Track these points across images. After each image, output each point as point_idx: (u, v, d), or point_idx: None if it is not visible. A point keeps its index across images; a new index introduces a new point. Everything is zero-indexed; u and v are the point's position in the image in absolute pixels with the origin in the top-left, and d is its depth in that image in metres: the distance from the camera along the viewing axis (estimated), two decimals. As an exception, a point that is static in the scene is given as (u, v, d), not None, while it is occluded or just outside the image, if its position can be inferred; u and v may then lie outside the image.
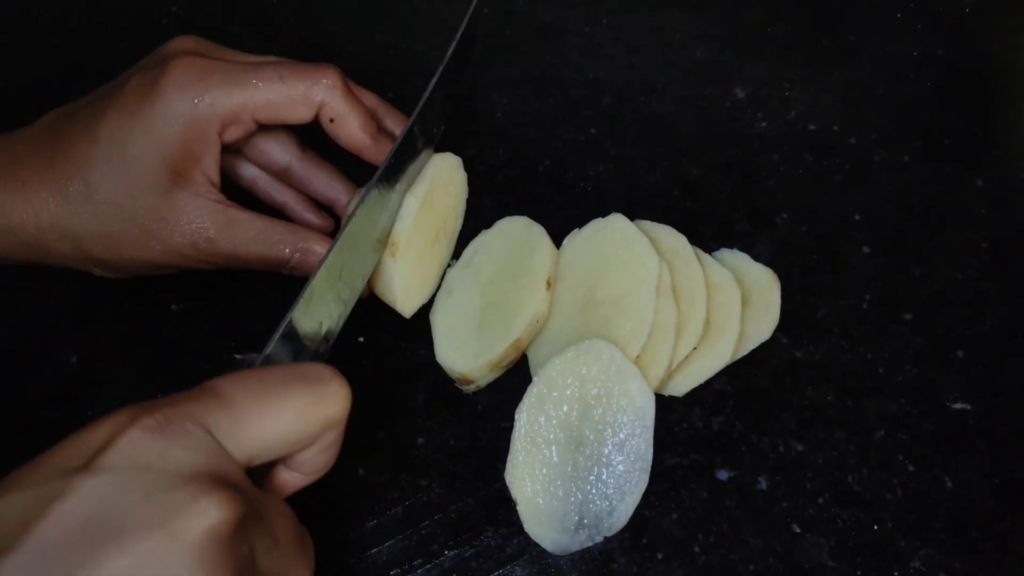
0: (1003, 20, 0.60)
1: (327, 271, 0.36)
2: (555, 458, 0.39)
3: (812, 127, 0.54)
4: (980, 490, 0.41)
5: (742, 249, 0.47)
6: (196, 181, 0.39)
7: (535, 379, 0.40)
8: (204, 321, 0.46)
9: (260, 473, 0.31)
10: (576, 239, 0.45)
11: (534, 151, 0.53)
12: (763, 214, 0.50)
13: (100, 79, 0.42)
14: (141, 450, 0.25)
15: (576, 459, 0.39)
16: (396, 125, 0.44)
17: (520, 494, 0.39)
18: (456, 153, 0.46)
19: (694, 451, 0.42)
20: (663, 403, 0.43)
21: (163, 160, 0.38)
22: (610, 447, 0.39)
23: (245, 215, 0.40)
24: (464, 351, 0.42)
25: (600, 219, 0.45)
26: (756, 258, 0.46)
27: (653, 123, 0.54)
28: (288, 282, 0.43)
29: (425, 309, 0.45)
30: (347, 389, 0.30)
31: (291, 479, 0.31)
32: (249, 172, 0.45)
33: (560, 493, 0.39)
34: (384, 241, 0.41)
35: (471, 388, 0.43)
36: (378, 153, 0.42)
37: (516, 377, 0.43)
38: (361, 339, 0.45)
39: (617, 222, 0.44)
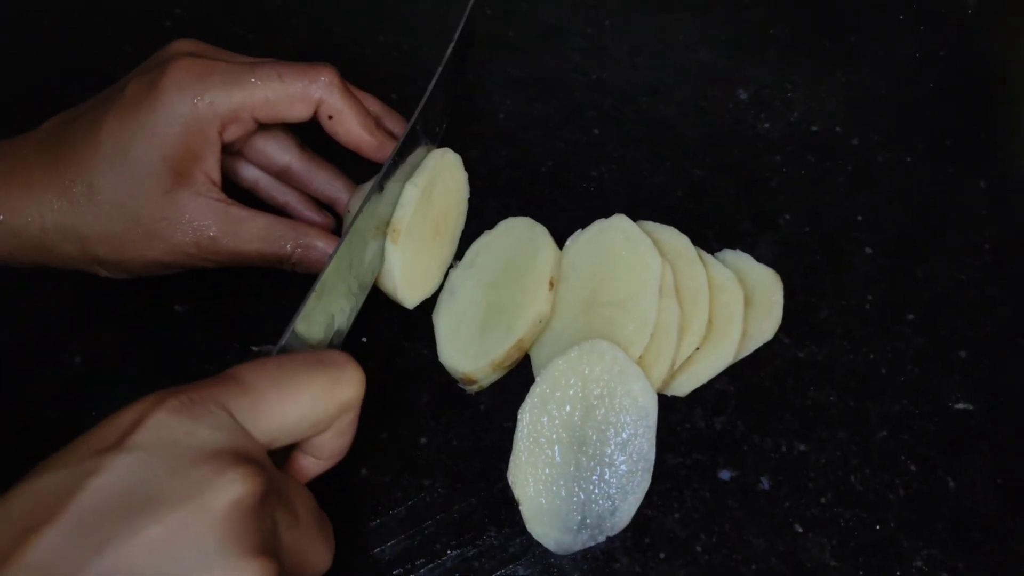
0: (1005, 21, 0.60)
1: (337, 264, 0.37)
2: (558, 458, 0.39)
3: (814, 128, 0.54)
4: (982, 491, 0.41)
5: (745, 250, 0.47)
6: (198, 180, 0.39)
7: (538, 379, 0.40)
8: (208, 321, 0.46)
9: (280, 458, 0.32)
10: (579, 240, 0.45)
11: (537, 152, 0.53)
12: (766, 215, 0.50)
13: (102, 81, 0.42)
14: (168, 429, 0.26)
15: (579, 459, 0.39)
16: (395, 126, 0.45)
17: (523, 494, 0.39)
18: (459, 154, 0.46)
19: (696, 451, 0.42)
20: (666, 403, 0.43)
21: (164, 160, 0.38)
22: (613, 447, 0.39)
23: (246, 213, 0.41)
24: (467, 351, 0.42)
25: (603, 220, 0.45)
26: (759, 259, 0.46)
27: (656, 124, 0.54)
28: (291, 282, 0.43)
29: (428, 309, 0.45)
30: (361, 374, 0.31)
31: (309, 464, 0.33)
32: (250, 173, 0.45)
33: (563, 493, 0.39)
34: (383, 229, 0.42)
35: (474, 388, 0.43)
36: (376, 149, 0.42)
37: (519, 377, 0.44)
38: (364, 339, 0.45)
39: (620, 223, 0.44)
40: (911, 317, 0.46)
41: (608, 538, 0.39)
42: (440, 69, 0.42)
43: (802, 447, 0.42)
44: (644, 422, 0.40)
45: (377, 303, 0.45)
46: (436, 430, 0.43)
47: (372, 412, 0.42)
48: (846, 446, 0.42)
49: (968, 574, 0.39)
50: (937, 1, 0.60)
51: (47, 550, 0.24)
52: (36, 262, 0.40)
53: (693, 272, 0.44)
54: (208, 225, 0.40)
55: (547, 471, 0.39)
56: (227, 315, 0.46)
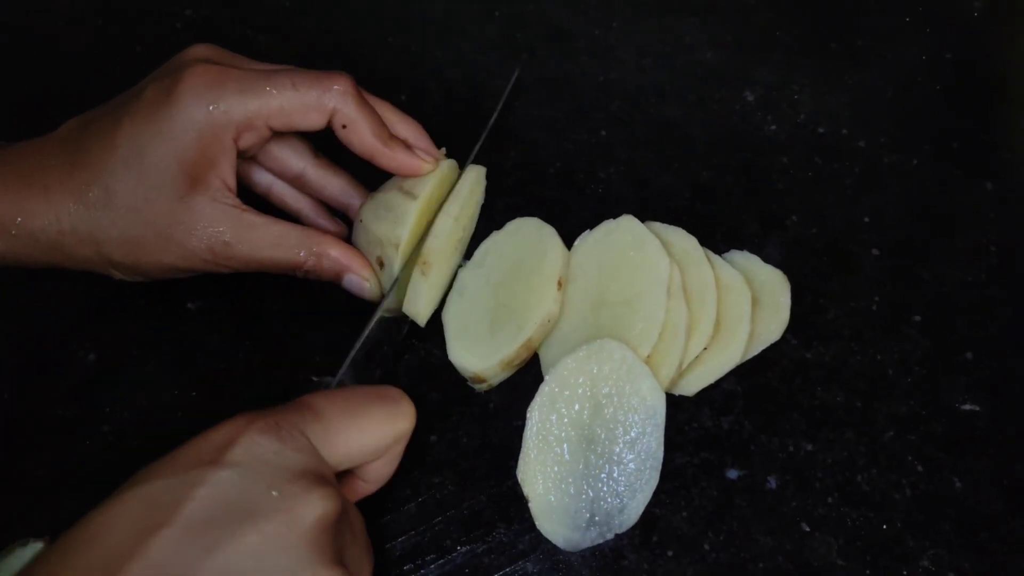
0: (1011, 24, 0.60)
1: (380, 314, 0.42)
2: (567, 456, 0.40)
3: (821, 130, 0.54)
4: (988, 491, 0.41)
5: (752, 251, 0.47)
6: (212, 186, 0.40)
7: (547, 378, 0.41)
8: (220, 320, 0.46)
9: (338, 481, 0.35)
10: (587, 240, 0.46)
11: (545, 153, 0.53)
12: (773, 216, 0.50)
13: (115, 83, 0.43)
14: (260, 448, 0.29)
15: (587, 457, 0.40)
16: (408, 133, 0.45)
17: (532, 491, 0.39)
18: (465, 156, 0.46)
19: (704, 450, 0.43)
20: (673, 402, 0.43)
21: (180, 165, 0.39)
22: (621, 445, 0.40)
23: (260, 219, 0.41)
24: (476, 350, 0.43)
25: (611, 220, 0.45)
26: (766, 260, 0.46)
27: (663, 126, 0.54)
28: (303, 281, 0.44)
29: (437, 309, 0.45)
30: (413, 408, 0.36)
31: (360, 487, 0.36)
32: (264, 179, 0.46)
33: (571, 490, 0.39)
34: (394, 244, 0.42)
35: (483, 387, 0.44)
36: (390, 159, 0.42)
37: (528, 376, 0.44)
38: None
39: (628, 223, 0.45)
40: (917, 318, 0.47)
41: (616, 536, 0.39)
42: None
43: (809, 447, 0.43)
44: (652, 421, 0.40)
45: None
46: (446, 428, 0.43)
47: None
48: (853, 446, 0.43)
49: (974, 574, 0.39)
50: (943, 4, 0.60)
51: (165, 550, 0.26)
52: (52, 263, 0.41)
53: (701, 272, 0.44)
54: (222, 231, 0.40)
55: (556, 469, 0.40)
56: (239, 313, 0.47)
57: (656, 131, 0.54)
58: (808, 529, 0.41)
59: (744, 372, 0.44)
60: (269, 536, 0.28)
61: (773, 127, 0.54)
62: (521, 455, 0.40)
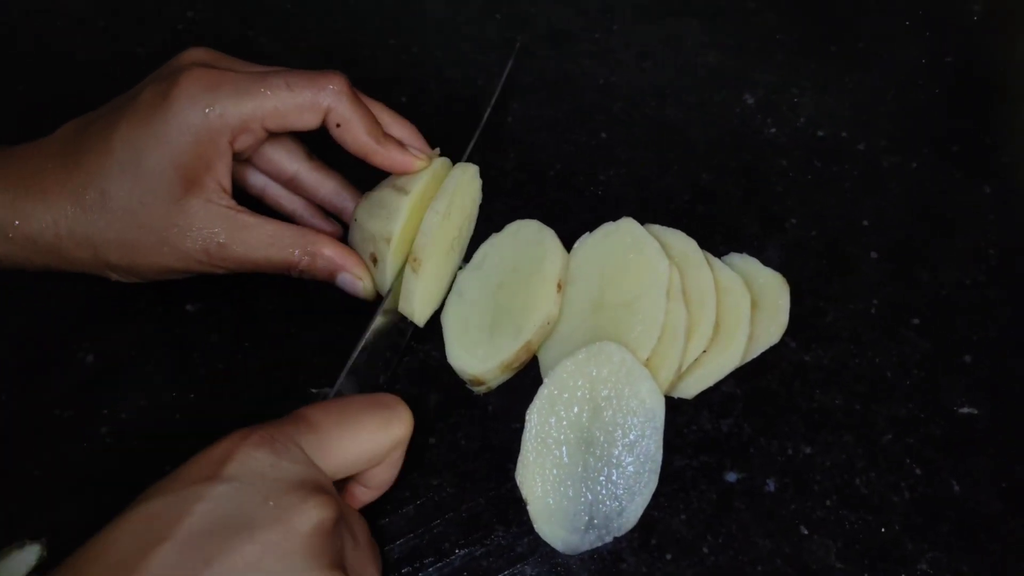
0: (1011, 27, 0.60)
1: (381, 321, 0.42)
2: (565, 458, 0.40)
3: (821, 133, 0.54)
4: (987, 494, 0.41)
5: (752, 254, 0.47)
6: (208, 188, 0.40)
7: (546, 380, 0.41)
8: (219, 321, 0.46)
9: (338, 488, 0.36)
10: (587, 242, 0.46)
11: (545, 155, 0.53)
12: (772, 219, 0.50)
13: (117, 85, 0.43)
14: (255, 462, 0.30)
15: (586, 460, 0.40)
16: (402, 133, 0.45)
17: (530, 494, 0.39)
18: (467, 157, 0.46)
19: (703, 453, 0.43)
20: (672, 405, 0.43)
21: (176, 169, 0.39)
22: (620, 448, 0.40)
23: (255, 219, 0.41)
24: (475, 353, 0.43)
25: (611, 223, 0.45)
26: (765, 263, 0.46)
27: (663, 128, 0.54)
28: (301, 281, 0.44)
29: (437, 311, 0.45)
30: (410, 414, 0.36)
31: (361, 493, 0.37)
32: (258, 180, 0.46)
33: (570, 493, 0.39)
34: (387, 239, 0.42)
35: (482, 389, 0.44)
36: (383, 157, 0.42)
37: (527, 379, 0.44)
38: (373, 340, 0.46)
39: (628, 225, 0.45)
40: (916, 321, 0.47)
41: (615, 538, 0.39)
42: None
43: (808, 450, 0.43)
44: (651, 423, 0.40)
45: (387, 304, 0.45)
46: (444, 430, 0.43)
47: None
48: (852, 449, 0.43)
49: (973, 577, 0.40)
50: (943, 7, 0.60)
51: (165, 564, 0.28)
52: (49, 266, 0.41)
53: (700, 275, 0.44)
54: (217, 232, 0.40)
55: (555, 471, 0.40)
56: (238, 315, 0.47)
57: (656, 133, 0.54)
58: (807, 532, 0.41)
59: (743, 375, 0.44)
60: (266, 545, 0.28)
61: (773, 130, 0.54)
62: (520, 458, 0.40)
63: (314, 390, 0.41)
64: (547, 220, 0.46)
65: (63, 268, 0.41)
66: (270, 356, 0.45)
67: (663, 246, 0.44)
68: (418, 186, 0.43)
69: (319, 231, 0.44)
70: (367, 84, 0.44)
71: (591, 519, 0.39)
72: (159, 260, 0.41)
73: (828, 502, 0.41)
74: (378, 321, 0.42)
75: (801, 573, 0.40)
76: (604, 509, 0.39)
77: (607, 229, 0.45)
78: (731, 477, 0.42)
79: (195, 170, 0.39)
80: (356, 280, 0.43)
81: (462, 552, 0.40)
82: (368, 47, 0.59)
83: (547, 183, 0.52)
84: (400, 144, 0.43)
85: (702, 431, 0.43)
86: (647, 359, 0.41)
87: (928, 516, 0.41)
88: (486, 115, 0.47)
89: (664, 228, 0.46)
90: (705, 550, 0.40)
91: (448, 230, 0.44)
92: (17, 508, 0.41)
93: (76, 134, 0.40)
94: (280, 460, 0.31)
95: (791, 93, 0.56)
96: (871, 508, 0.41)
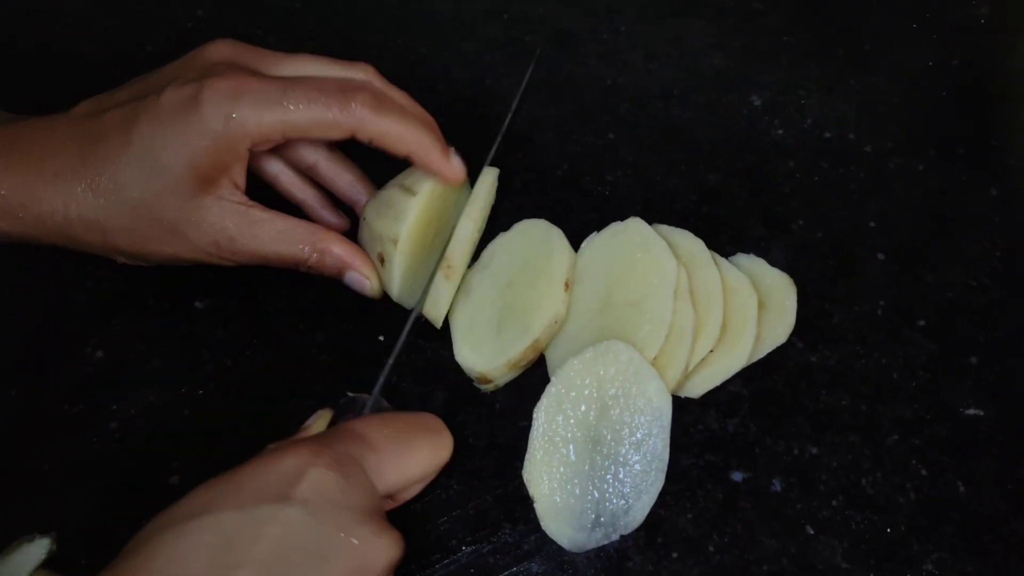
0: (1017, 30, 0.60)
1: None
2: (572, 457, 0.40)
3: (828, 135, 0.54)
4: (992, 495, 0.42)
5: (758, 254, 0.47)
6: (222, 187, 0.40)
7: (553, 379, 0.41)
8: (227, 317, 0.47)
9: None
10: (594, 242, 0.46)
11: (552, 155, 0.53)
12: (779, 220, 0.50)
13: (118, 85, 0.43)
14: (326, 486, 0.31)
15: (593, 458, 0.40)
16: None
17: (537, 492, 0.39)
18: (474, 158, 0.46)
19: (709, 452, 0.43)
20: (679, 404, 0.43)
21: (192, 170, 0.39)
22: (627, 447, 0.40)
23: (266, 215, 0.41)
24: (483, 351, 0.43)
25: (618, 222, 0.45)
26: (772, 263, 0.47)
27: (670, 129, 0.54)
28: (310, 278, 0.44)
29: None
30: (452, 438, 0.38)
31: (386, 504, 0.37)
32: (273, 167, 0.46)
33: (577, 491, 0.39)
34: (394, 241, 0.42)
35: (489, 387, 0.44)
36: (429, 169, 0.42)
37: (534, 377, 0.44)
38: (381, 338, 0.46)
39: (635, 225, 0.45)
40: (922, 323, 0.47)
41: (621, 537, 0.39)
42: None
43: (814, 450, 0.43)
44: (658, 422, 0.40)
45: (391, 304, 0.45)
46: (452, 428, 0.43)
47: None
48: (858, 450, 0.43)
49: (977, 578, 0.40)
50: (950, 10, 0.60)
51: None
52: (58, 244, 0.42)
53: (707, 275, 0.44)
54: (228, 227, 0.41)
55: (562, 470, 0.40)
56: (246, 311, 0.47)
57: (663, 134, 0.54)
58: (812, 532, 0.41)
59: (750, 375, 0.45)
60: None
61: (780, 131, 0.54)
62: (527, 456, 0.40)
63: (351, 393, 0.41)
64: (554, 220, 0.46)
65: (71, 247, 0.42)
66: (278, 353, 0.46)
67: (670, 246, 0.44)
68: (426, 187, 0.43)
69: (329, 228, 0.44)
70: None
71: (598, 517, 0.39)
72: (168, 249, 0.41)
73: (834, 502, 0.41)
74: (408, 328, 0.42)
75: (807, 573, 0.40)
76: (611, 507, 0.39)
77: (615, 228, 0.45)
78: (737, 476, 0.42)
79: (211, 172, 0.40)
80: (364, 279, 0.43)
81: (469, 549, 0.40)
82: (375, 47, 0.59)
83: (555, 183, 0.52)
84: (440, 151, 0.42)
85: (709, 430, 0.43)
86: (654, 358, 0.41)
87: (933, 517, 0.41)
88: (507, 121, 0.47)
89: (671, 228, 0.46)
90: (711, 549, 0.40)
91: (475, 235, 0.45)
92: (27, 502, 0.41)
93: (94, 118, 0.40)
94: (350, 486, 0.32)
95: (798, 95, 0.56)
96: (877, 508, 0.41)
